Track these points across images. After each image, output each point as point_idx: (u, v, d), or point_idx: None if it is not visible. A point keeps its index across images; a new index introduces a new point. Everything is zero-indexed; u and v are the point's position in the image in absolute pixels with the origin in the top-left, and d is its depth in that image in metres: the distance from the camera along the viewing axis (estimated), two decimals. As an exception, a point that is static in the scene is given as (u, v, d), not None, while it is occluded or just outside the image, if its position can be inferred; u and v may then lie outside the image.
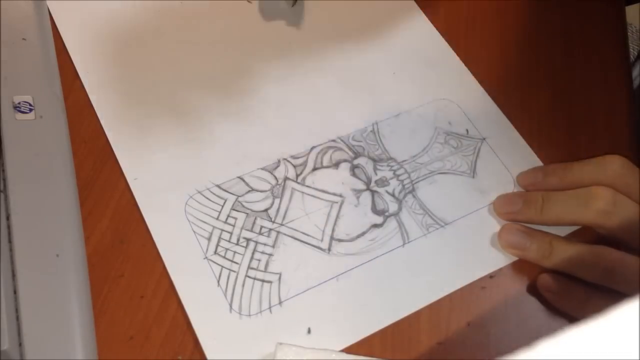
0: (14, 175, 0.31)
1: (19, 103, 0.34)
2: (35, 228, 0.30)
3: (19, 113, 0.34)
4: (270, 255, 0.32)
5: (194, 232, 0.32)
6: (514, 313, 0.31)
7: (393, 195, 0.34)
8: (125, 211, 0.33)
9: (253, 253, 0.32)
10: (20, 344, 0.26)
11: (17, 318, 0.27)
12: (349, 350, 0.29)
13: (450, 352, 0.30)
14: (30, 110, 0.34)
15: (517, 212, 0.33)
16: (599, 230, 0.32)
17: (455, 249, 0.33)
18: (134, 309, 0.30)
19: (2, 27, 0.36)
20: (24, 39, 0.37)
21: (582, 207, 0.31)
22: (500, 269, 0.32)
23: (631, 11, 0.47)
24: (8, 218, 0.30)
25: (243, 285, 0.31)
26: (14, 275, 0.28)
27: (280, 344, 0.28)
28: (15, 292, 0.28)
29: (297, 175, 0.34)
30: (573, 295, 0.31)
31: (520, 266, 0.33)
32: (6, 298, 0.27)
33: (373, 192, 0.34)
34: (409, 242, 0.33)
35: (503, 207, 0.34)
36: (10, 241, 0.29)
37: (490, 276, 0.32)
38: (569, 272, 0.31)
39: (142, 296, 0.30)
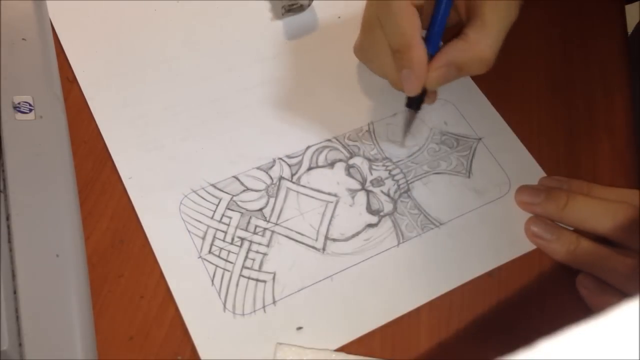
0: (14, 175, 0.32)
1: (19, 103, 0.34)
2: (35, 228, 0.31)
3: (19, 113, 0.34)
4: (265, 254, 0.32)
5: (189, 231, 0.32)
6: (514, 312, 0.32)
7: (388, 195, 0.34)
8: (125, 211, 0.33)
9: (247, 252, 0.32)
10: (20, 344, 0.27)
11: (17, 318, 0.28)
12: (347, 349, 0.30)
13: (450, 352, 0.30)
14: (30, 110, 0.35)
15: (537, 204, 0.33)
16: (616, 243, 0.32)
17: (450, 248, 0.33)
18: (133, 309, 0.30)
19: (2, 27, 0.37)
20: (24, 39, 0.37)
21: (608, 218, 0.31)
22: (500, 268, 0.32)
23: (631, 11, 0.46)
24: (8, 218, 0.31)
25: (237, 285, 0.31)
26: (14, 275, 0.29)
27: (280, 344, 0.28)
28: (15, 292, 0.28)
29: (292, 175, 0.35)
30: (607, 297, 0.31)
31: (519, 266, 0.33)
32: (6, 298, 0.28)
33: (368, 192, 0.34)
34: (403, 242, 0.33)
35: (524, 196, 0.34)
36: (10, 241, 0.30)
37: (489, 275, 0.32)
38: (589, 271, 0.32)
39: (142, 296, 0.31)
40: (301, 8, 0.40)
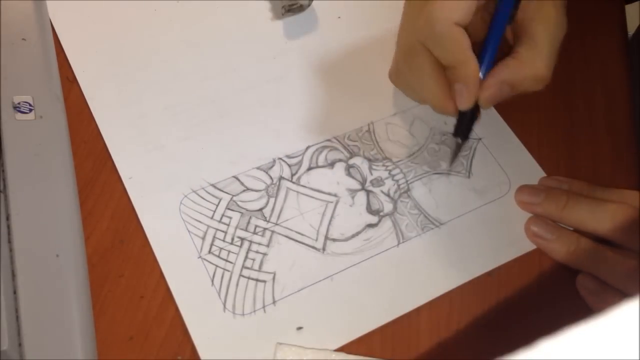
0: (14, 175, 0.32)
1: (19, 103, 0.34)
2: (35, 228, 0.31)
3: (19, 113, 0.34)
4: (265, 254, 0.32)
5: (189, 231, 0.32)
6: (514, 312, 0.32)
7: (388, 195, 0.34)
8: (125, 211, 0.33)
9: (247, 252, 0.32)
10: (20, 344, 0.27)
11: (17, 318, 0.28)
12: (346, 349, 0.30)
13: (450, 352, 0.30)
14: (30, 110, 0.35)
15: (537, 204, 0.33)
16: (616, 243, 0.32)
17: (450, 248, 0.33)
18: (133, 309, 0.30)
19: (2, 27, 0.37)
20: (24, 39, 0.37)
21: (608, 219, 0.31)
22: (500, 268, 0.32)
23: (631, 11, 0.46)
24: (8, 218, 0.31)
25: (237, 285, 0.31)
26: (14, 275, 0.29)
27: (280, 344, 0.28)
28: (15, 292, 0.28)
29: (292, 175, 0.35)
30: (607, 297, 0.31)
31: (519, 266, 0.33)
32: (6, 298, 0.28)
33: (368, 192, 0.34)
34: (403, 242, 0.33)
35: (524, 196, 0.34)
36: (10, 241, 0.30)
37: (489, 274, 0.32)
38: (589, 271, 0.32)
39: (142, 296, 0.31)
40: (301, 8, 0.40)
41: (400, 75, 0.35)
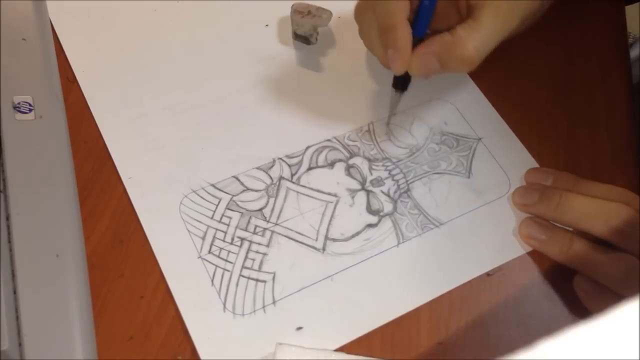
0: (14, 175, 0.32)
1: (19, 103, 0.35)
2: (35, 228, 0.31)
3: (19, 113, 0.34)
4: (265, 254, 0.32)
5: (189, 231, 0.32)
6: (514, 312, 0.32)
7: (388, 195, 0.34)
8: (125, 211, 0.33)
9: (247, 252, 0.32)
10: (20, 344, 0.27)
11: (17, 318, 0.28)
12: (347, 349, 0.30)
13: (450, 352, 0.30)
14: (30, 110, 0.35)
15: (531, 205, 0.33)
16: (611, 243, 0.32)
17: (450, 248, 0.33)
18: (133, 309, 0.30)
19: (2, 27, 0.37)
20: (24, 39, 0.37)
21: (601, 220, 0.31)
22: (500, 268, 0.32)
23: (631, 11, 0.46)
24: (8, 218, 0.31)
25: (237, 285, 0.31)
26: (14, 275, 0.29)
27: (280, 344, 0.28)
28: (15, 292, 0.29)
29: (292, 175, 0.35)
30: (603, 298, 0.31)
31: (519, 266, 0.33)
32: (6, 298, 0.28)
33: (368, 192, 0.34)
34: (403, 242, 0.33)
35: (519, 197, 0.34)
36: (10, 241, 0.30)
37: (489, 274, 0.32)
38: (584, 272, 0.31)
39: (142, 296, 0.31)
40: (307, 41, 0.39)
41: (359, 27, 0.35)
